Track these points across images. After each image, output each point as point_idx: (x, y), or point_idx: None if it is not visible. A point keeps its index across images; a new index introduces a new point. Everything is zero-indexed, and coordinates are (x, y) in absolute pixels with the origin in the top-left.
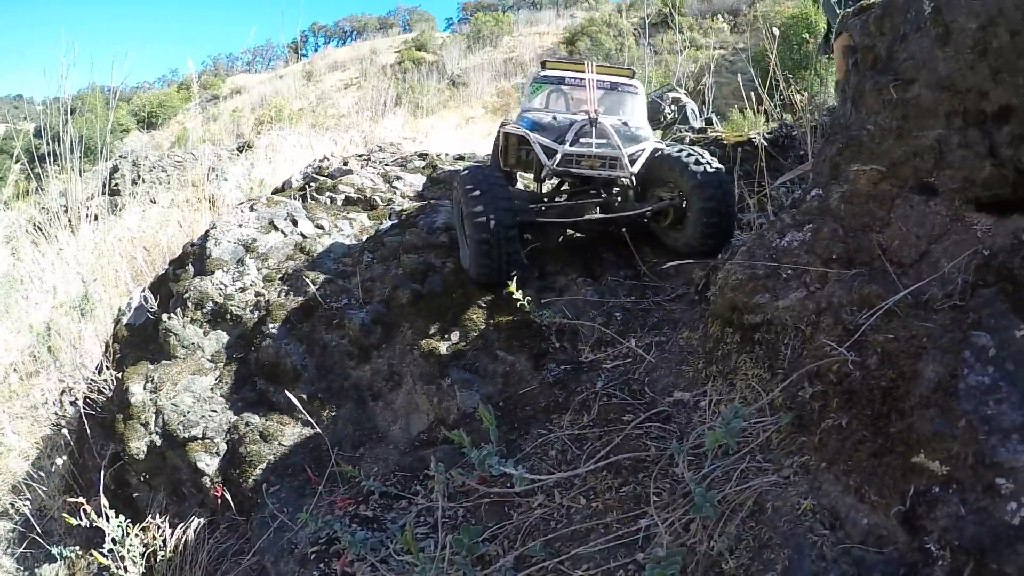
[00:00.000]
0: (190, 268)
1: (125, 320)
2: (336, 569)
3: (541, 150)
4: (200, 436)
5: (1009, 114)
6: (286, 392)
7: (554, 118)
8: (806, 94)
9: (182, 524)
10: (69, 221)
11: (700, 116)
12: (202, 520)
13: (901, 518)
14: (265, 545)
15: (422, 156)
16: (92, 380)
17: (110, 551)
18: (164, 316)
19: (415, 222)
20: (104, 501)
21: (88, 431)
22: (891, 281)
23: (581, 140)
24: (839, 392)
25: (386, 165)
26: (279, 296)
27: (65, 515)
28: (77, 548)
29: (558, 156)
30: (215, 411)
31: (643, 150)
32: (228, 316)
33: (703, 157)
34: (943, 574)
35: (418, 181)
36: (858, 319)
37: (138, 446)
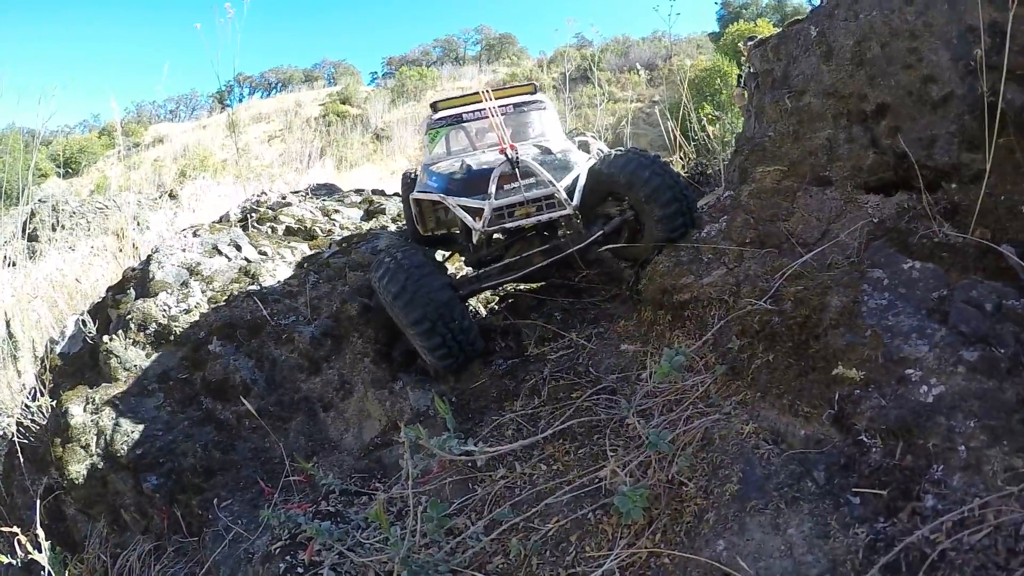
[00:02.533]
0: (131, 292)
1: (59, 349)
2: (303, 559)
3: (465, 212)
4: (144, 457)
5: (885, 110)
6: (242, 400)
7: (466, 168)
8: (718, 126)
9: (125, 552)
10: None
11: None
12: (147, 546)
13: (832, 420)
14: (220, 558)
15: (358, 192)
16: (22, 410)
17: None
18: (104, 338)
19: (357, 247)
20: (40, 532)
21: (20, 462)
22: (798, 255)
23: (506, 187)
24: (762, 337)
25: (324, 200)
26: (226, 316)
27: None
28: None
29: (487, 213)
30: (159, 431)
31: (577, 176)
32: (172, 337)
33: (644, 158)
34: (879, 457)
35: (355, 214)
36: (772, 283)
37: (78, 470)
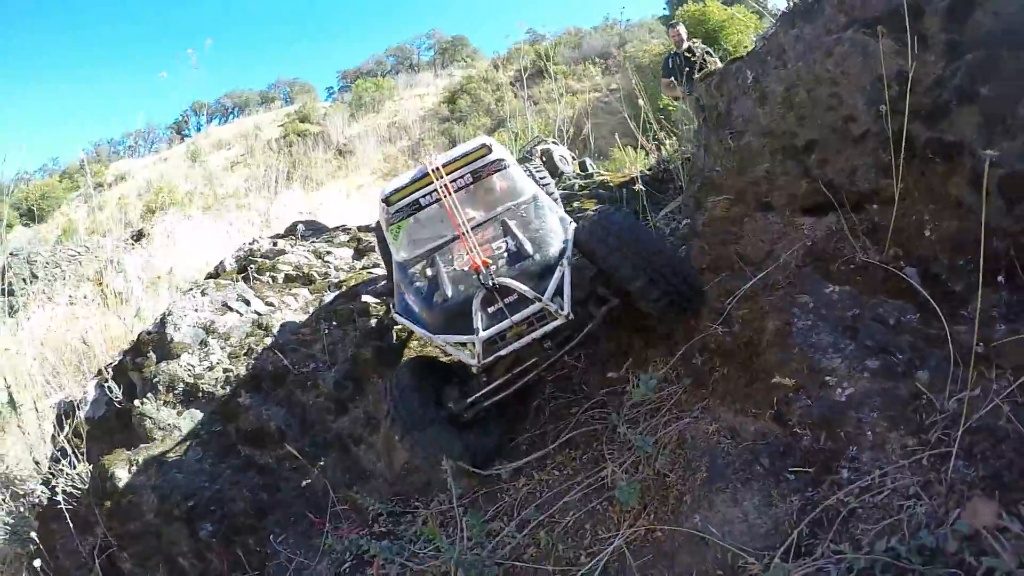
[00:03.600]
0: (151, 355)
1: (83, 414)
2: (371, 573)
3: (455, 349)
4: (196, 507)
5: (814, 146)
6: (278, 445)
7: (442, 298)
8: (674, 136)
9: None
10: None
11: (572, 160)
12: None
13: (773, 418)
14: None
15: (345, 230)
16: (55, 475)
17: None
18: (136, 402)
19: (358, 291)
20: None
21: (60, 526)
22: (746, 276)
23: (490, 310)
24: (719, 354)
25: (314, 242)
26: (248, 369)
27: None
28: None
29: (477, 348)
30: (206, 482)
31: (562, 273)
32: (200, 394)
33: (623, 230)
34: (808, 443)
35: (346, 254)
36: (725, 305)
37: (134, 527)
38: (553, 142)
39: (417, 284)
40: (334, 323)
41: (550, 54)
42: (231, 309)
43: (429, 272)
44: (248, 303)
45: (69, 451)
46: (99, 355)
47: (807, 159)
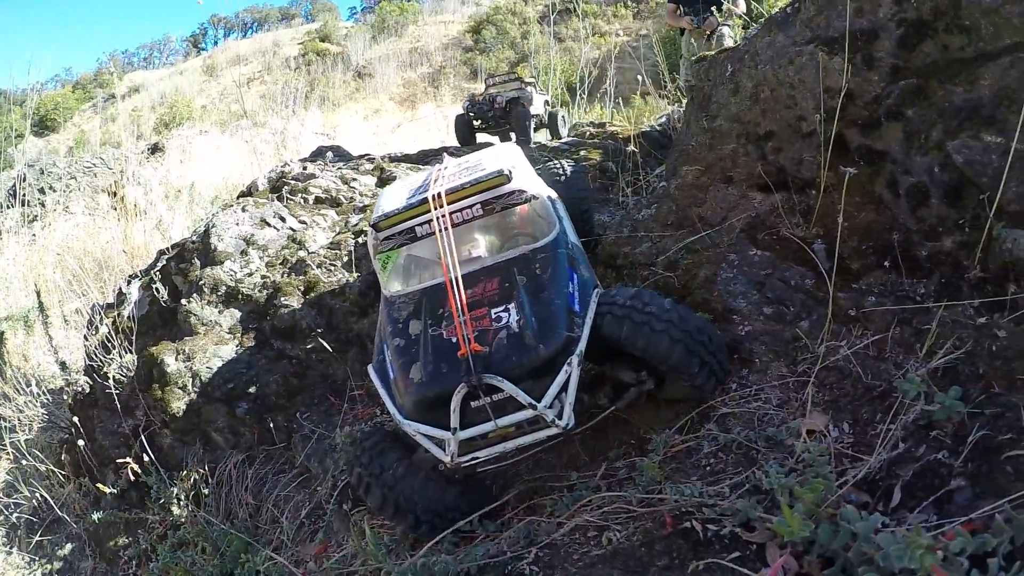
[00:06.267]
0: (196, 261)
1: (126, 313)
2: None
3: (426, 441)
4: (235, 389)
5: (772, 135)
6: (307, 340)
7: (419, 373)
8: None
9: (220, 464)
10: None
11: (546, 105)
12: (239, 458)
13: None
14: (310, 451)
15: (369, 160)
16: (98, 365)
17: (158, 500)
18: (183, 301)
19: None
20: (147, 457)
21: (114, 409)
22: (700, 235)
23: (474, 405)
24: (663, 291)
25: (340, 168)
26: (283, 277)
27: (100, 485)
28: (115, 510)
29: (451, 447)
30: (243, 369)
31: (568, 375)
32: (240, 296)
33: (658, 319)
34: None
35: (370, 182)
36: (677, 256)
37: (178, 406)
38: (531, 83)
39: (398, 342)
40: (359, 241)
41: None
42: (268, 224)
43: (413, 328)
44: (283, 220)
45: (115, 344)
46: (120, 264)
47: (765, 146)
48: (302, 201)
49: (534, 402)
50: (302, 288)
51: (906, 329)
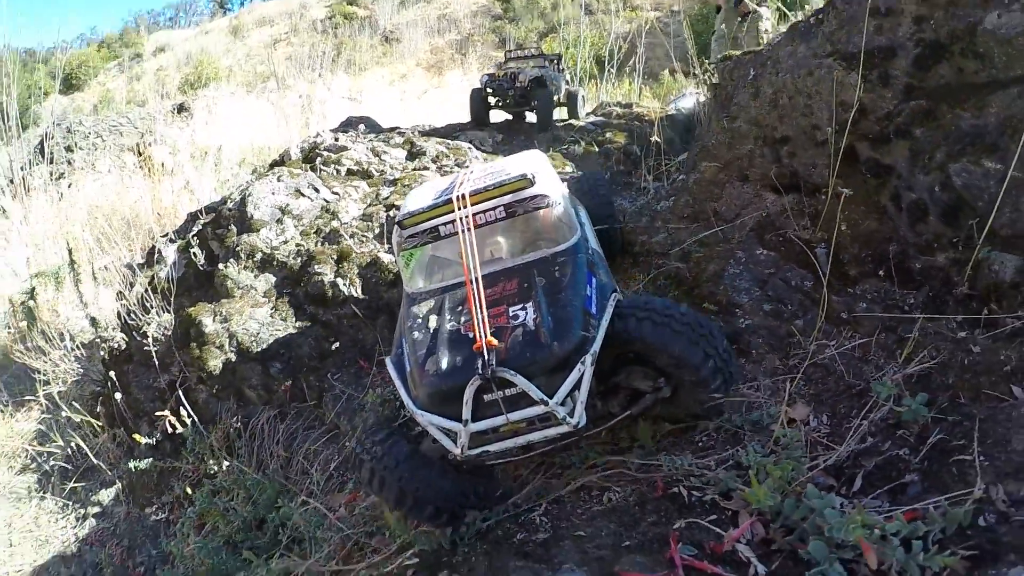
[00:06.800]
0: (232, 227)
1: (163, 274)
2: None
3: (437, 432)
4: (269, 350)
5: (788, 140)
6: (339, 306)
7: (435, 366)
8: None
9: (252, 419)
10: (15, 194)
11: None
12: (271, 413)
13: None
14: (340, 410)
15: (400, 133)
16: (129, 326)
17: (192, 450)
18: (220, 265)
19: (409, 187)
20: (183, 411)
21: (152, 364)
22: (713, 229)
23: (487, 398)
24: (675, 281)
25: (371, 141)
26: (317, 246)
27: (136, 436)
28: (150, 459)
29: (463, 439)
30: (278, 331)
31: (581, 374)
32: (275, 263)
33: (675, 320)
34: None
35: (400, 155)
36: (690, 248)
37: (215, 364)
38: (552, 57)
39: (416, 336)
40: (389, 214)
41: None
42: (302, 195)
43: (432, 323)
44: (317, 191)
45: (152, 304)
46: (148, 223)
47: (780, 149)
48: (334, 172)
49: (546, 398)
50: (335, 257)
51: (891, 336)
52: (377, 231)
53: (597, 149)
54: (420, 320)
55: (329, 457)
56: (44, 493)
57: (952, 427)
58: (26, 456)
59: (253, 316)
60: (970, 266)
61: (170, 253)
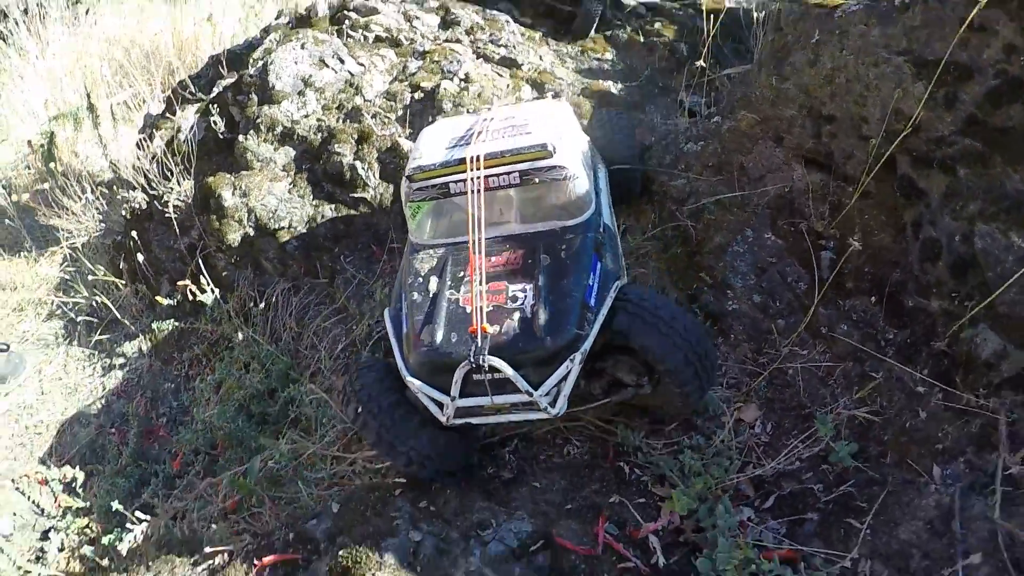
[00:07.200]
0: (253, 96)
1: (183, 136)
2: None
3: (425, 400)
4: (287, 226)
5: (833, 120)
6: (356, 189)
7: (430, 337)
8: None
9: (268, 289)
10: (30, 27)
11: None
12: (286, 286)
13: (688, 298)
14: (350, 294)
15: None
16: (149, 186)
17: (211, 315)
18: (240, 137)
19: (441, 68)
20: (203, 279)
21: (172, 227)
22: (735, 186)
23: (475, 378)
24: (680, 236)
25: (404, 3)
26: (338, 123)
27: (159, 298)
28: (172, 320)
29: (448, 411)
30: (295, 208)
31: (568, 371)
32: (295, 137)
33: (662, 314)
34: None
35: (433, 22)
36: (702, 203)
37: (234, 237)
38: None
39: (416, 297)
40: (415, 95)
41: None
42: (327, 65)
43: (433, 286)
44: (342, 61)
45: (173, 170)
46: (168, 56)
47: (823, 126)
48: (362, 39)
49: (531, 389)
50: (355, 137)
51: (857, 367)
52: (400, 112)
53: (642, 40)
54: (421, 280)
55: (337, 337)
56: (71, 342)
57: (865, 485)
58: (52, 304)
59: (272, 191)
60: (957, 326)
61: (189, 116)
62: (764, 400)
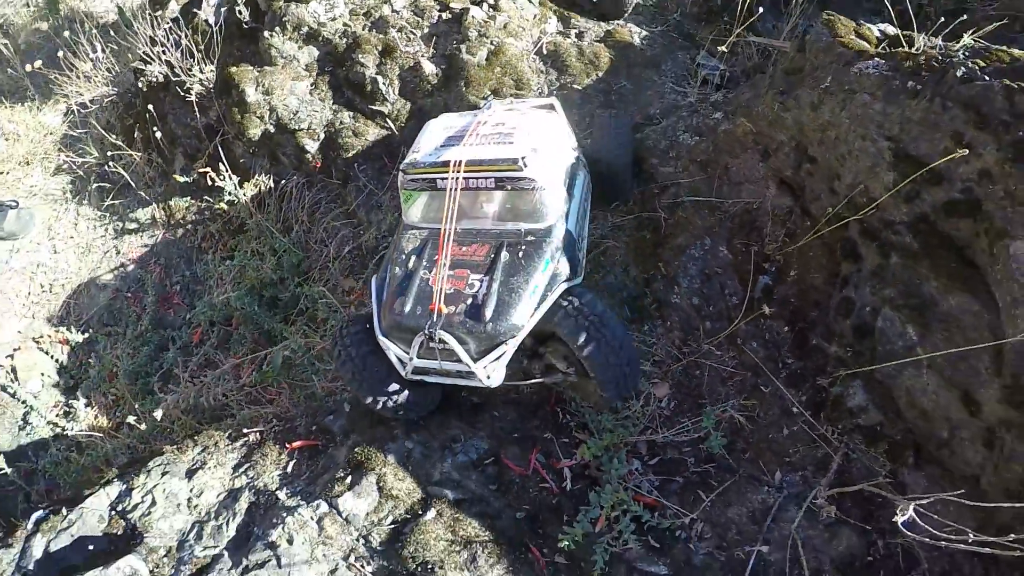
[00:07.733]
0: None
1: (203, 17)
2: None
3: (392, 356)
4: (306, 127)
5: (814, 161)
6: (375, 100)
7: (401, 306)
8: None
9: (283, 180)
10: None
11: None
12: (301, 180)
13: (644, 282)
14: (360, 202)
15: None
16: (176, 71)
17: (228, 199)
18: (266, 33)
19: None
20: (222, 167)
21: (186, 104)
22: (714, 185)
23: (431, 344)
24: (652, 228)
25: None
26: (364, 31)
27: (176, 176)
28: (189, 198)
29: (408, 369)
30: (316, 110)
31: (502, 353)
32: (320, 39)
33: (597, 321)
34: (647, 305)
35: None
36: (681, 199)
37: (254, 132)
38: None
39: (397, 271)
40: (443, 15)
41: None
42: None
43: (412, 264)
44: None
45: (195, 54)
46: None
47: (805, 163)
48: None
49: (471, 362)
50: (380, 49)
51: (752, 379)
52: (426, 31)
53: None
54: (404, 256)
55: (345, 238)
56: (81, 200)
57: (722, 470)
58: (58, 159)
59: (293, 91)
60: (841, 373)
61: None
62: (676, 382)
